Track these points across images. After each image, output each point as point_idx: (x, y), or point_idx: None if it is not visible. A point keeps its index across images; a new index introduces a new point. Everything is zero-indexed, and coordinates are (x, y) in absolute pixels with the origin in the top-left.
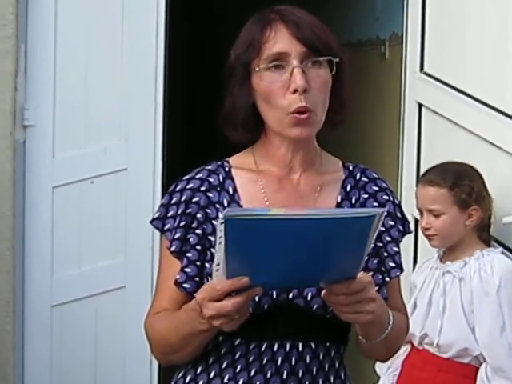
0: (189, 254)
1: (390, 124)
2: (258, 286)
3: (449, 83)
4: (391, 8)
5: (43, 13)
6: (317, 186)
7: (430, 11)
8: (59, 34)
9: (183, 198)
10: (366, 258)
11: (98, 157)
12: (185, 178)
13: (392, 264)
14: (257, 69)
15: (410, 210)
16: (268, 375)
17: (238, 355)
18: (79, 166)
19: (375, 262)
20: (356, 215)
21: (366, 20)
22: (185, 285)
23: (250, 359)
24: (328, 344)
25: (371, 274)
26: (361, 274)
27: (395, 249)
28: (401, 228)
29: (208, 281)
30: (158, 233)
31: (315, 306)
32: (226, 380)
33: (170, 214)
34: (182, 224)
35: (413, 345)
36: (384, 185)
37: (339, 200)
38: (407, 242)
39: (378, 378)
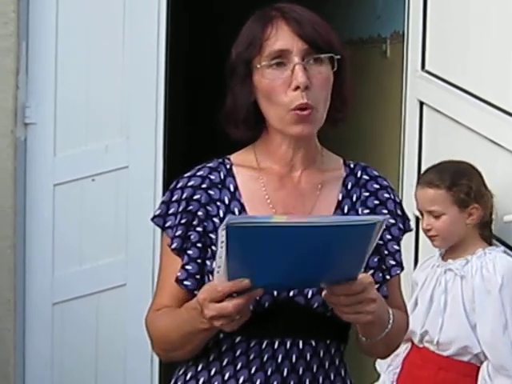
0: (190, 252)
1: (391, 122)
2: (258, 287)
3: (450, 81)
4: (392, 6)
5: (44, 10)
6: (318, 183)
7: (431, 9)
8: (60, 32)
9: (184, 196)
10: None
11: (99, 155)
12: (186, 175)
13: (392, 262)
14: (258, 66)
15: (411, 208)
16: (268, 373)
17: (238, 353)
18: (80, 163)
19: (376, 259)
20: (357, 223)
21: (367, 18)
22: (186, 282)
23: (251, 357)
24: (328, 342)
25: (371, 271)
26: (361, 275)
27: (396, 247)
28: (401, 226)
29: (209, 278)
30: (158, 231)
31: (316, 304)
32: (226, 377)
33: (171, 211)
34: (183, 221)
35: (413, 343)
36: (385, 183)
37: (340, 198)
38: (408, 240)
39: (378, 375)
